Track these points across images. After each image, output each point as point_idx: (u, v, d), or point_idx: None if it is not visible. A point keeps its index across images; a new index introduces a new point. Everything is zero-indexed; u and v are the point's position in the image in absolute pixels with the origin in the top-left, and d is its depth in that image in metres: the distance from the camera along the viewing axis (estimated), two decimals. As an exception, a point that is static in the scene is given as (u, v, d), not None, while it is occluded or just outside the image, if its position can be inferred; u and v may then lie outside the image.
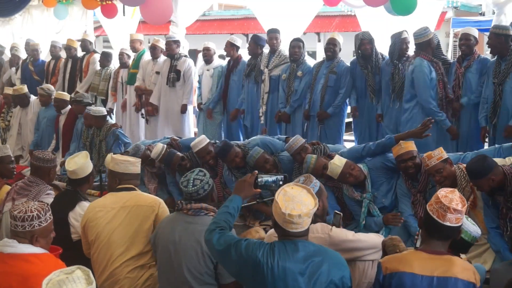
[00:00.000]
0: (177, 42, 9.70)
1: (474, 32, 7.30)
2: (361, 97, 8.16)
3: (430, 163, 5.30)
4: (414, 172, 5.61)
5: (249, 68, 8.94)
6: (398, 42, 7.59)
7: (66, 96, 9.44)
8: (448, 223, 3.48)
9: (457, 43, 9.05)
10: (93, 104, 9.85)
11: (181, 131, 9.52)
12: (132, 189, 4.81)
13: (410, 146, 5.65)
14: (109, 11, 10.48)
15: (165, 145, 7.14)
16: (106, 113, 8.77)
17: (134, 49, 10.38)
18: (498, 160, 5.27)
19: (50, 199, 5.32)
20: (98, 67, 10.90)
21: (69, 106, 9.22)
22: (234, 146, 6.72)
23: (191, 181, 4.19)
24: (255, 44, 8.91)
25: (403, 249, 3.96)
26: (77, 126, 8.97)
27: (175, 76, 9.57)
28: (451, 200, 3.49)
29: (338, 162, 5.74)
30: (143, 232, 4.56)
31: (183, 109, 9.67)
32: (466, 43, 7.15)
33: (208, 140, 6.92)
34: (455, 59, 7.37)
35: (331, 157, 6.08)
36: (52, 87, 10.04)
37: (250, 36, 9.79)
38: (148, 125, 10.09)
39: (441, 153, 5.35)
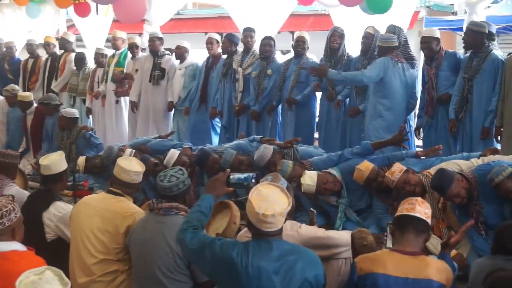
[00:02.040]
0: (160, 39, 9.62)
1: (434, 32, 7.30)
2: (324, 91, 8.18)
3: (395, 178, 5.27)
4: (386, 186, 5.54)
5: (225, 68, 8.91)
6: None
7: (29, 97, 9.38)
8: (418, 215, 3.53)
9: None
10: (65, 105, 9.78)
11: (165, 131, 9.48)
12: (120, 194, 4.75)
13: (368, 165, 5.61)
14: (82, 10, 10.40)
15: (134, 151, 7.04)
16: (77, 115, 8.71)
17: (115, 46, 10.24)
18: (464, 164, 5.32)
19: (13, 189, 5.35)
20: (74, 66, 10.81)
21: (35, 105, 9.16)
22: (211, 153, 6.68)
23: (168, 177, 4.19)
24: (229, 42, 8.89)
25: (371, 242, 3.99)
26: (47, 125, 8.92)
27: (160, 74, 9.49)
28: (416, 200, 3.64)
29: (310, 181, 5.57)
30: (116, 238, 4.52)
31: (170, 107, 9.59)
32: (426, 45, 7.16)
33: (178, 152, 6.82)
34: (424, 61, 7.42)
35: (302, 163, 6.04)
36: (17, 87, 9.97)
37: (224, 35, 9.76)
38: (129, 124, 10.05)
39: (399, 166, 5.37)
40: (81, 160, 7.05)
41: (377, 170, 5.61)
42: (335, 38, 7.93)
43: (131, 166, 4.78)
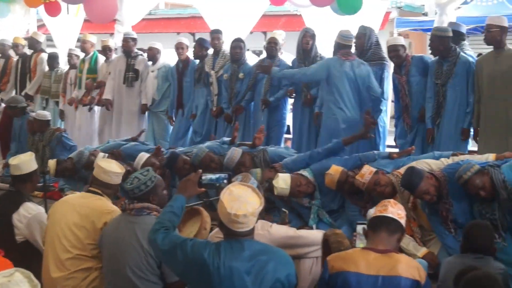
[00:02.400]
0: (134, 40, 9.55)
1: (399, 40, 7.38)
2: (298, 93, 8.17)
3: (365, 180, 5.32)
4: (358, 188, 5.56)
5: (198, 73, 8.84)
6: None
7: None
8: (390, 215, 3.56)
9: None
10: (38, 107, 9.70)
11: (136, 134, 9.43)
12: (100, 194, 4.73)
13: (337, 168, 5.64)
14: (53, 10, 10.28)
15: (106, 155, 7.04)
16: (49, 118, 8.64)
17: (84, 50, 10.13)
18: (434, 164, 5.37)
19: None
20: (46, 68, 10.71)
21: (3, 105, 9.09)
22: (181, 154, 6.68)
23: (131, 179, 4.21)
24: (200, 46, 8.80)
25: (347, 246, 4.01)
26: (15, 126, 8.87)
27: (133, 75, 9.41)
28: (389, 201, 3.67)
29: (284, 185, 5.58)
30: (92, 234, 4.50)
31: (144, 109, 9.52)
32: (395, 54, 7.19)
33: (147, 155, 6.79)
34: (393, 71, 7.44)
35: (273, 167, 6.04)
36: None
37: (197, 35, 9.74)
38: (101, 127, 9.97)
39: (369, 168, 5.42)
40: (52, 163, 7.04)
41: (346, 172, 5.64)
42: (307, 39, 7.93)
43: (111, 167, 4.80)
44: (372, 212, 4.14)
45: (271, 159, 6.40)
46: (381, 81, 7.44)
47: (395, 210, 3.65)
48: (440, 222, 5.00)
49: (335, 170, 5.61)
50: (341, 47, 7.43)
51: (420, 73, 7.16)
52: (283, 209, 4.84)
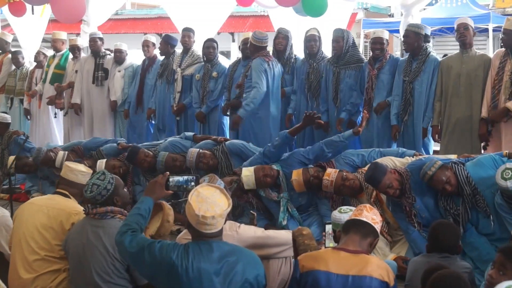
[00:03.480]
0: (101, 39, 9.50)
1: (386, 34, 7.44)
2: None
3: (332, 178, 5.46)
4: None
5: (162, 68, 8.85)
6: (304, 40, 7.74)
7: None
8: (365, 219, 3.58)
9: (367, 44, 9.20)
10: (2, 107, 9.59)
11: (111, 132, 9.41)
12: (67, 196, 4.69)
13: (297, 172, 5.77)
14: (17, 9, 10.13)
15: (66, 152, 7.26)
16: (9, 120, 8.63)
17: (55, 48, 10.05)
18: (398, 161, 5.55)
19: None
20: (12, 68, 10.61)
21: None
22: (141, 148, 6.77)
23: (90, 187, 4.16)
24: (166, 43, 8.79)
25: (314, 248, 4.02)
26: None
27: (103, 74, 9.35)
28: (365, 205, 3.70)
29: (247, 172, 5.81)
30: (60, 235, 4.44)
31: (113, 106, 9.45)
32: (380, 47, 7.25)
33: (104, 160, 6.97)
34: (367, 61, 7.49)
35: (235, 173, 6.10)
36: None
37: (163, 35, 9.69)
38: (66, 129, 9.90)
39: (332, 169, 5.61)
40: (11, 159, 7.02)
41: (307, 170, 5.76)
42: (280, 40, 7.92)
43: (77, 166, 4.83)
44: (336, 213, 4.21)
45: (230, 152, 6.56)
46: (361, 82, 7.45)
47: (370, 215, 3.66)
48: (404, 218, 5.14)
49: (296, 174, 5.76)
50: (258, 49, 7.48)
51: (391, 73, 7.23)
52: (251, 211, 4.87)
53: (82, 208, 4.55)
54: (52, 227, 4.45)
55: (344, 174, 5.48)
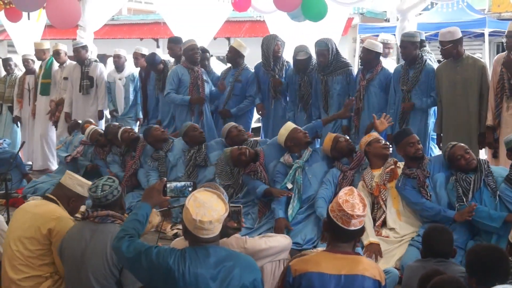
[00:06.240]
0: (85, 48, 9.54)
1: (377, 47, 7.39)
2: (266, 100, 8.20)
3: (376, 134, 6.12)
4: (348, 150, 6.27)
5: (161, 83, 8.75)
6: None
7: None
8: (353, 228, 3.55)
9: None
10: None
11: None
12: (53, 200, 4.67)
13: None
14: (13, 15, 10.15)
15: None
16: None
17: (39, 58, 10.14)
18: None
19: None
20: (2, 74, 10.60)
21: None
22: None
23: (100, 187, 4.15)
24: (150, 66, 8.84)
25: None
26: None
27: (88, 83, 9.41)
28: (353, 207, 3.54)
29: (283, 131, 6.43)
30: (37, 241, 4.44)
31: (101, 116, 9.51)
32: (368, 57, 7.31)
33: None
34: (359, 69, 7.52)
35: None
36: None
37: (160, 41, 9.71)
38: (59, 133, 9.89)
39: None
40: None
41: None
42: (279, 47, 7.98)
43: (78, 176, 4.79)
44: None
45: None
46: (349, 85, 7.50)
47: (357, 221, 3.58)
48: (415, 193, 5.57)
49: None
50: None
51: (380, 86, 7.27)
52: (235, 205, 4.91)
53: (64, 213, 4.55)
54: (31, 232, 4.45)
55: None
